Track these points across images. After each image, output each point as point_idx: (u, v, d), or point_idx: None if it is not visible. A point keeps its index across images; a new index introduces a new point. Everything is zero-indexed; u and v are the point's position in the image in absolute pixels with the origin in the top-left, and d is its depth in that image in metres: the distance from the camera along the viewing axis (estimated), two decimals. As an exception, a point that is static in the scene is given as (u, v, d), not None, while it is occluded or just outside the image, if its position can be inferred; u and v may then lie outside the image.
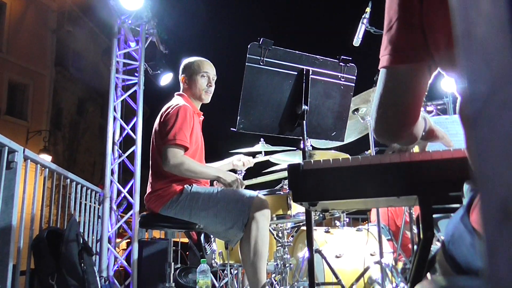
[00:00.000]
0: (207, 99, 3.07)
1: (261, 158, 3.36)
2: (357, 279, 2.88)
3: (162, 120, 2.86)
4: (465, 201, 0.93)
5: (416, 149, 1.59)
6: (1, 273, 2.88)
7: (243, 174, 3.32)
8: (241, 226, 2.63)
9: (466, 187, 0.96)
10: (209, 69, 3.05)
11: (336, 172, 1.43)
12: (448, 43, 0.92)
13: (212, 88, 3.06)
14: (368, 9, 3.10)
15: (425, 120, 1.32)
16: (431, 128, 1.38)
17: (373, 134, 1.17)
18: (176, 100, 2.96)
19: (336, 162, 1.44)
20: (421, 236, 1.29)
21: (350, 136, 3.09)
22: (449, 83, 6.19)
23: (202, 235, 4.16)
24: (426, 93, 1.07)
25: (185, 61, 3.12)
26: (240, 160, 3.23)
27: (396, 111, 1.08)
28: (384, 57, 1.04)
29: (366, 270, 2.89)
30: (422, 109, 1.16)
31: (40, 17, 17.71)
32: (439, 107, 7.47)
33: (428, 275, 1.31)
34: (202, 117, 3.10)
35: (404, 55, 1.01)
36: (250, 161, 3.26)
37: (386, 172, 1.38)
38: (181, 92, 3.09)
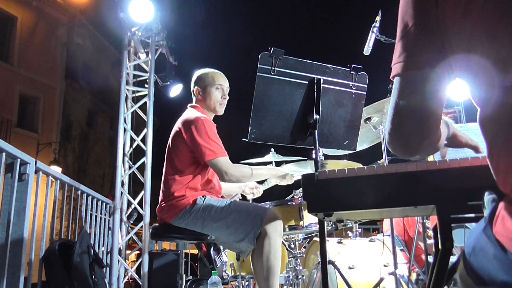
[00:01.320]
0: (221, 111, 3.06)
1: (271, 184, 3.33)
2: (371, 291, 2.84)
3: (189, 134, 2.79)
4: (486, 212, 0.90)
5: (430, 157, 1.56)
6: (12, 285, 2.87)
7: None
8: (253, 239, 2.61)
9: (487, 197, 0.93)
10: (223, 82, 3.04)
11: (352, 182, 1.41)
12: (468, 48, 0.88)
13: (226, 101, 3.06)
14: (378, 18, 3.10)
15: (448, 125, 1.28)
16: (455, 133, 1.33)
17: (389, 148, 1.08)
18: (194, 113, 2.94)
19: (351, 171, 1.42)
20: (439, 246, 1.26)
21: (362, 145, 3.07)
22: (459, 91, 6.13)
23: (212, 248, 4.14)
24: (445, 102, 1.01)
25: (198, 72, 3.10)
26: (251, 188, 3.20)
27: (413, 121, 1.00)
28: (398, 65, 0.99)
29: (380, 281, 2.85)
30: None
31: (50, 30, 17.94)
32: (449, 115, 7.42)
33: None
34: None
35: (421, 61, 0.96)
36: (259, 191, 3.23)
37: (403, 181, 1.35)
38: (194, 103, 3.07)
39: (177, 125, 2.92)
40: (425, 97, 0.98)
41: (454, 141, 1.34)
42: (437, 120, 1.03)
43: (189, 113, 2.97)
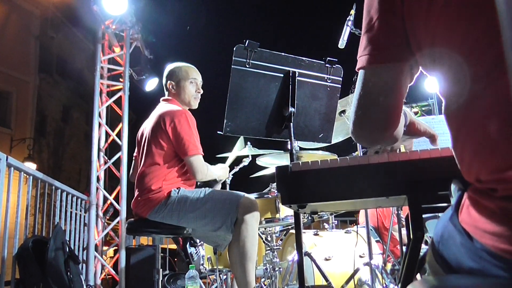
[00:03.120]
0: (195, 105, 3.06)
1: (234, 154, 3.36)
2: (347, 281, 2.88)
3: (171, 129, 2.76)
4: (453, 200, 0.92)
5: (402, 148, 1.58)
6: (-16, 283, 2.82)
7: (230, 177, 3.31)
8: (230, 225, 2.61)
9: (453, 186, 0.95)
10: (197, 76, 3.03)
11: (325, 173, 1.42)
12: (432, 43, 0.91)
13: (200, 94, 3.05)
14: (352, 12, 3.11)
15: (405, 114, 1.30)
16: (412, 121, 1.35)
17: (352, 137, 1.13)
18: (169, 106, 2.92)
19: (325, 163, 1.43)
20: (411, 236, 1.29)
21: (337, 138, 3.09)
22: (432, 84, 6.25)
23: (188, 242, 4.12)
24: (406, 95, 1.05)
25: (170, 66, 3.08)
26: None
27: (376, 113, 1.04)
28: (363, 57, 1.01)
29: (355, 272, 2.89)
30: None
31: (23, 24, 17.51)
32: (424, 108, 7.55)
33: (418, 276, 1.31)
34: None
35: (385, 54, 0.99)
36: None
37: (375, 172, 1.36)
38: (167, 97, 3.05)
39: (157, 117, 2.86)
40: (388, 91, 1.02)
41: (412, 129, 1.37)
42: (398, 112, 1.07)
43: (167, 106, 2.94)
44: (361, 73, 1.03)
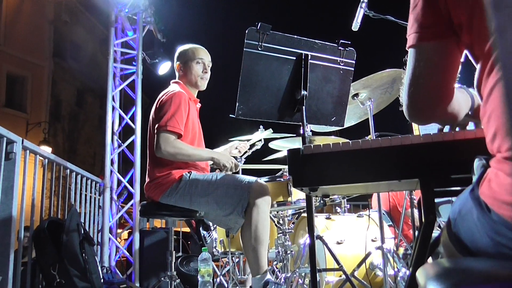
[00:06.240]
0: (203, 85, 3.06)
1: (257, 138, 3.35)
2: (359, 265, 2.89)
3: (157, 107, 2.87)
4: (475, 178, 0.93)
5: None
6: (2, 264, 2.87)
7: (242, 161, 3.31)
8: (241, 211, 2.62)
9: (476, 163, 0.96)
10: (204, 56, 3.03)
11: (337, 156, 1.41)
12: (471, 21, 0.94)
13: (208, 75, 3.05)
14: (366, -7, 3.06)
15: (472, 98, 1.30)
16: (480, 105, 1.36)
17: (406, 116, 1.15)
18: (171, 87, 2.97)
19: (336, 146, 1.42)
20: (423, 219, 1.28)
21: (350, 121, 3.07)
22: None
23: (201, 225, 4.16)
24: (457, 71, 1.07)
25: (180, 48, 3.11)
26: (236, 148, 3.23)
27: (426, 90, 1.07)
28: (411, 36, 1.05)
29: (367, 255, 2.89)
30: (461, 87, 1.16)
31: (37, 8, 17.58)
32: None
33: (430, 259, 1.30)
34: (199, 105, 3.08)
35: (431, 32, 1.02)
36: (246, 145, 3.25)
37: (387, 156, 1.36)
38: (177, 79, 3.08)
39: (155, 101, 2.94)
40: (434, 68, 1.05)
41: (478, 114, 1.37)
42: (447, 89, 1.09)
43: (168, 88, 2.99)
44: (410, 51, 1.07)
